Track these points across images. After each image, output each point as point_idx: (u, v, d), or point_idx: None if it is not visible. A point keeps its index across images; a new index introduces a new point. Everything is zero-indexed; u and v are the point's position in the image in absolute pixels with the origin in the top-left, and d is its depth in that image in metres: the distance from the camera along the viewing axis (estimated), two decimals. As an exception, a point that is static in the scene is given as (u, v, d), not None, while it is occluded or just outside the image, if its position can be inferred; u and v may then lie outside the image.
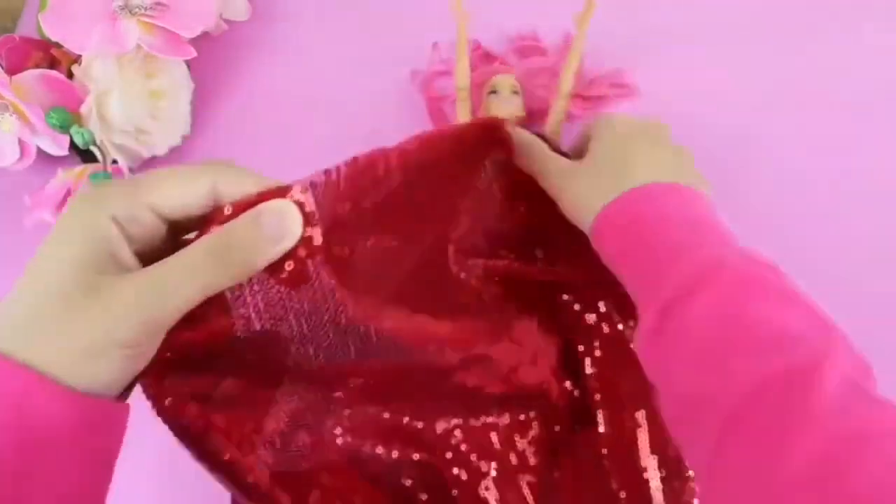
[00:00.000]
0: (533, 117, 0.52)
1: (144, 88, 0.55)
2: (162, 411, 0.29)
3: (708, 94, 0.53)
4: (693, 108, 0.48)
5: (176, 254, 0.26)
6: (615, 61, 0.55)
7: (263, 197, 0.27)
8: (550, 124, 0.50)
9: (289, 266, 0.28)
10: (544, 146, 0.39)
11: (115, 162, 0.54)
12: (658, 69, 0.54)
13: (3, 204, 0.58)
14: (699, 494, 0.28)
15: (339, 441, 0.37)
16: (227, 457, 0.31)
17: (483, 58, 0.57)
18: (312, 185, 0.29)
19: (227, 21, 0.61)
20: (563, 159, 0.38)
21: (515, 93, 0.51)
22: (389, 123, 0.57)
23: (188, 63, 0.57)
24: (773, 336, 0.27)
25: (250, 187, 0.28)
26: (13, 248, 0.57)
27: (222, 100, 0.60)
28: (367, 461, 0.38)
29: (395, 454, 0.38)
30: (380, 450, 0.38)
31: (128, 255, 0.26)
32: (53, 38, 0.52)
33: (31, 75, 0.52)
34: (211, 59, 0.60)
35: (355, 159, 0.31)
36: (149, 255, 0.27)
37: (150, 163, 0.57)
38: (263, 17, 0.63)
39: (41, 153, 0.54)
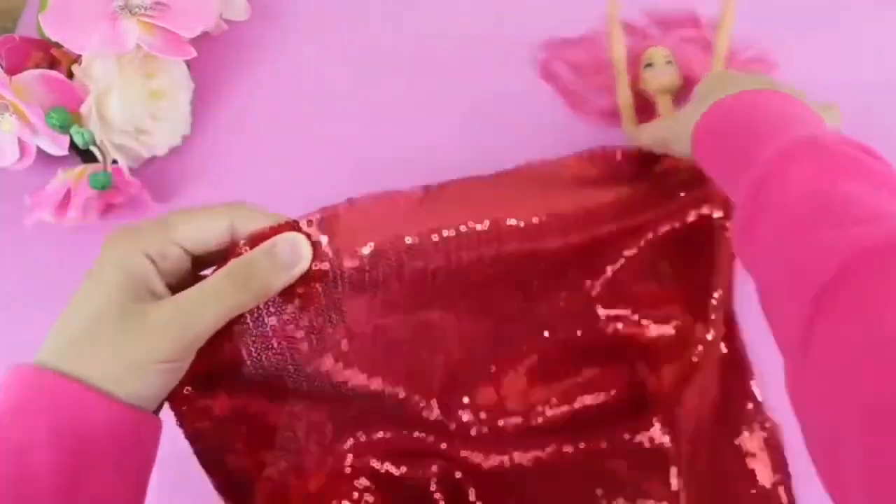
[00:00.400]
0: (688, 86, 0.53)
1: (144, 88, 0.55)
2: (183, 422, 0.33)
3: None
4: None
5: (202, 282, 0.30)
6: (760, 38, 0.55)
7: (276, 230, 0.31)
8: None
9: (300, 290, 0.32)
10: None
11: (115, 162, 0.54)
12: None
13: (3, 204, 0.58)
14: (787, 371, 0.28)
15: (347, 464, 0.37)
16: (238, 474, 0.34)
17: (627, 31, 0.57)
18: (320, 217, 0.32)
19: (227, 21, 0.61)
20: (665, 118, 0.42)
21: (669, 62, 0.53)
22: (390, 123, 0.57)
23: (188, 63, 0.57)
24: (867, 210, 0.27)
25: (263, 223, 0.32)
26: (13, 248, 0.57)
27: (222, 100, 0.60)
28: (387, 482, 0.38)
29: (420, 471, 0.38)
30: (400, 469, 0.38)
31: (160, 286, 0.30)
32: (53, 38, 0.52)
33: (31, 75, 0.52)
34: (211, 59, 0.60)
35: (352, 200, 0.35)
36: (175, 287, 0.31)
37: (150, 163, 0.57)
38: (263, 17, 0.63)
39: (41, 153, 0.54)
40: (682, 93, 0.53)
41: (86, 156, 0.54)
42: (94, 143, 0.52)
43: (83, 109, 0.52)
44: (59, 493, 0.27)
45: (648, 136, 0.44)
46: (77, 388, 0.28)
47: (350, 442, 0.37)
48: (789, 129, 0.33)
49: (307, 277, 0.32)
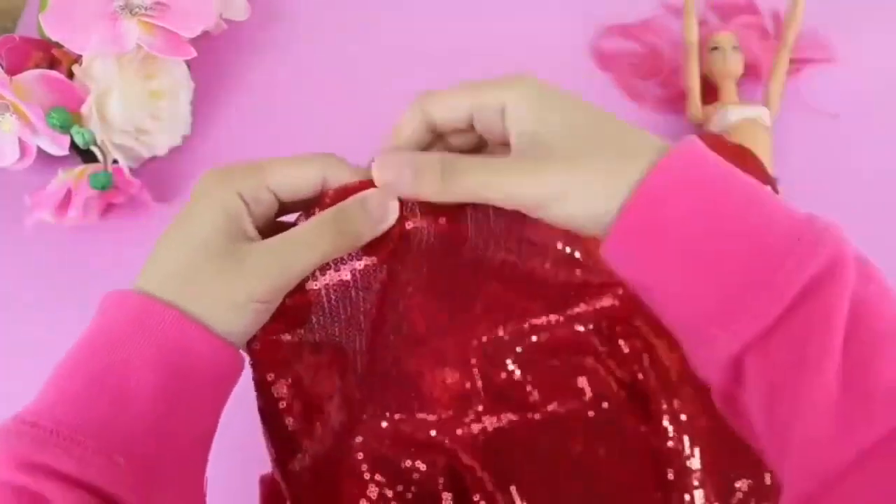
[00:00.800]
0: (748, 73, 0.55)
1: (144, 88, 0.55)
2: (255, 367, 0.34)
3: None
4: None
5: (299, 227, 0.31)
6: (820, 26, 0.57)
7: (365, 185, 0.32)
8: (776, 77, 0.54)
9: (382, 244, 0.33)
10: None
11: (115, 162, 0.54)
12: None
13: (3, 204, 0.58)
14: None
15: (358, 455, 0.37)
16: (289, 426, 0.35)
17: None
18: None
19: (227, 21, 0.61)
20: (499, 158, 0.31)
21: (735, 48, 0.54)
22: (389, 123, 0.57)
23: (188, 63, 0.57)
24: None
25: (353, 177, 0.32)
26: (13, 248, 0.57)
27: (222, 100, 0.60)
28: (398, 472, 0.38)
29: (423, 467, 0.38)
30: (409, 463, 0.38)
31: (251, 228, 0.31)
32: (54, 38, 0.52)
33: (31, 75, 0.52)
34: (211, 59, 0.60)
35: None
36: (260, 231, 0.32)
37: (151, 163, 0.57)
38: (263, 17, 0.63)
39: (41, 153, 0.54)
40: (742, 79, 0.55)
41: (86, 156, 0.54)
42: (95, 143, 0.52)
43: (83, 109, 0.52)
44: (157, 412, 0.28)
45: (483, 176, 0.30)
46: (180, 318, 0.29)
47: (366, 431, 0.38)
48: (785, 247, 0.25)
49: (390, 234, 0.33)
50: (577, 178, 0.28)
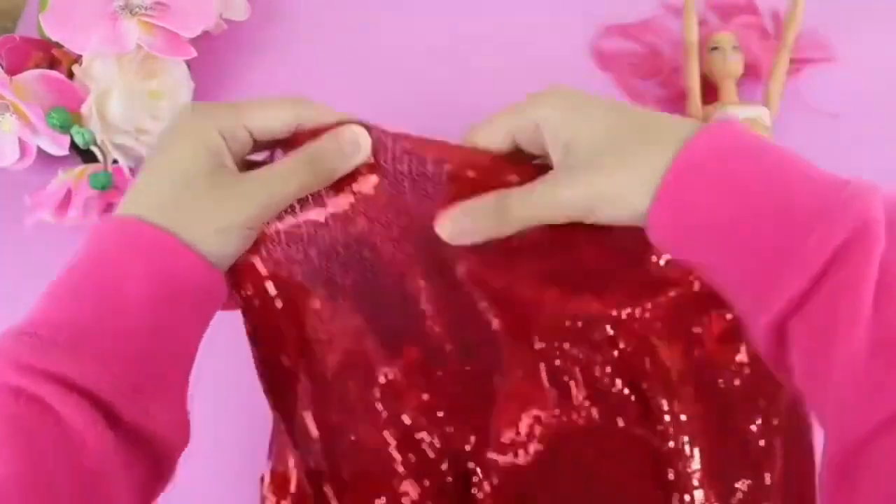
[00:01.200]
0: (748, 73, 0.55)
1: (144, 88, 0.55)
2: (241, 297, 0.35)
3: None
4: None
5: (276, 162, 0.34)
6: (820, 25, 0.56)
7: (338, 125, 0.34)
8: (776, 77, 0.54)
9: (352, 180, 0.35)
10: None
11: (115, 162, 0.54)
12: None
13: (3, 204, 0.58)
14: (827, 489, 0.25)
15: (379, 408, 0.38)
16: (285, 362, 0.36)
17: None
18: (375, 126, 0.35)
19: (227, 21, 0.61)
20: (540, 181, 0.33)
21: (736, 48, 0.54)
22: (391, 124, 0.57)
23: (188, 63, 0.57)
24: None
25: (327, 119, 0.34)
26: (13, 248, 0.57)
27: (222, 100, 0.60)
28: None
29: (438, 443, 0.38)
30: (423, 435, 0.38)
31: (231, 163, 0.33)
32: (54, 38, 0.52)
33: (31, 75, 0.52)
34: (211, 59, 0.60)
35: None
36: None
37: (151, 163, 0.57)
38: (263, 17, 0.63)
39: (41, 153, 0.54)
40: (742, 79, 0.55)
41: (86, 156, 0.54)
42: (95, 143, 0.52)
43: (84, 109, 0.52)
44: (146, 328, 0.30)
45: (545, 199, 0.32)
46: (170, 240, 0.30)
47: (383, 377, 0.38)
48: (811, 203, 0.26)
49: (358, 172, 0.35)
50: (608, 184, 0.30)
